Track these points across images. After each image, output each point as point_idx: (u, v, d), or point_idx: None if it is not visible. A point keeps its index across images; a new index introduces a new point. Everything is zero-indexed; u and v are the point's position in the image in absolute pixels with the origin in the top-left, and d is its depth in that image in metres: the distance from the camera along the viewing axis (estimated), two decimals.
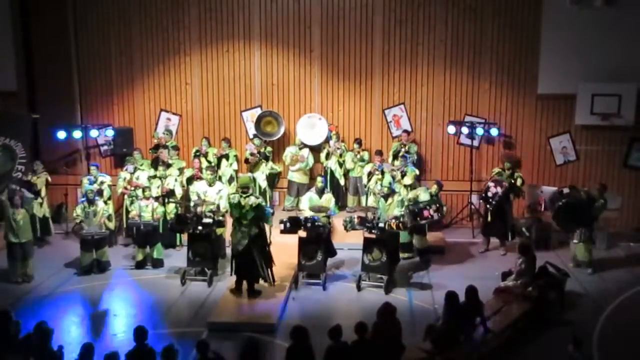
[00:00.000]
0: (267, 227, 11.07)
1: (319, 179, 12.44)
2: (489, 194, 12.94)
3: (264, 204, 11.07)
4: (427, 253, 12.76)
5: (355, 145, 14.46)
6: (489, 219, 13.20)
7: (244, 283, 10.94)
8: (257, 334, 9.35)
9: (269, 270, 10.98)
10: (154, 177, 13.49)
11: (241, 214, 10.64)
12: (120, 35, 15.21)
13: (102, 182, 13.47)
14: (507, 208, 13.18)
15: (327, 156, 14.54)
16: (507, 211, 13.17)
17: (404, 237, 12.48)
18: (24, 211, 11.88)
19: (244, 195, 10.72)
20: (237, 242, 10.74)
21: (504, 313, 9.80)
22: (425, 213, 11.84)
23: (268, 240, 11.04)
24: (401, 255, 12.53)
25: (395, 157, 14.09)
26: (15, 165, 13.07)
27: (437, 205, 12.04)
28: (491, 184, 13.02)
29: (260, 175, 14.53)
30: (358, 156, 14.38)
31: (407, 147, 14.26)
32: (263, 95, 15.26)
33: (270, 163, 14.57)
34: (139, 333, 7.59)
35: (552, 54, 14.24)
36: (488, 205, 13.03)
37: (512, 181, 13.16)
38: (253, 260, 10.77)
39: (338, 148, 14.45)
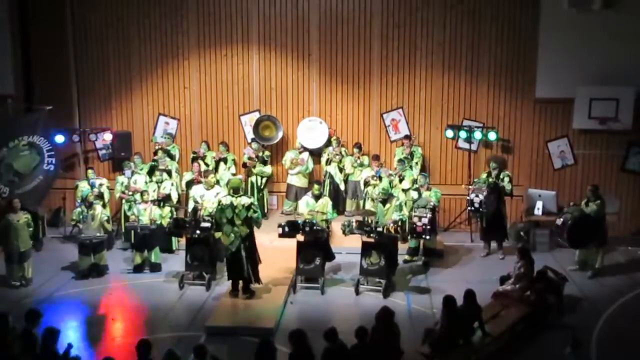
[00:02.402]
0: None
1: (316, 186, 12.41)
2: (476, 205, 12.92)
3: (256, 203, 11.13)
4: (433, 255, 12.79)
5: (355, 150, 14.47)
6: (484, 224, 13.22)
7: (239, 284, 11.02)
8: (256, 338, 9.34)
9: (255, 270, 11.03)
10: (150, 181, 13.52)
11: (234, 214, 10.67)
12: (118, 39, 15.21)
13: (100, 185, 13.48)
14: (502, 210, 13.18)
15: (328, 162, 14.55)
16: (502, 213, 13.17)
17: (412, 242, 12.65)
18: (24, 217, 11.85)
19: (236, 196, 10.77)
20: (230, 244, 10.77)
21: (502, 317, 9.81)
22: (419, 229, 11.79)
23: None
24: (407, 258, 12.64)
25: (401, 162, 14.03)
26: (44, 159, 13.51)
27: (416, 210, 12.02)
28: (472, 195, 12.98)
29: (259, 180, 14.55)
30: (358, 161, 14.39)
31: (411, 150, 14.27)
32: (261, 99, 15.27)
33: (261, 166, 14.55)
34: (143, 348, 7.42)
35: (550, 57, 14.24)
36: (482, 212, 13.01)
37: (496, 181, 13.06)
38: (242, 260, 10.81)
39: (337, 154, 14.45)
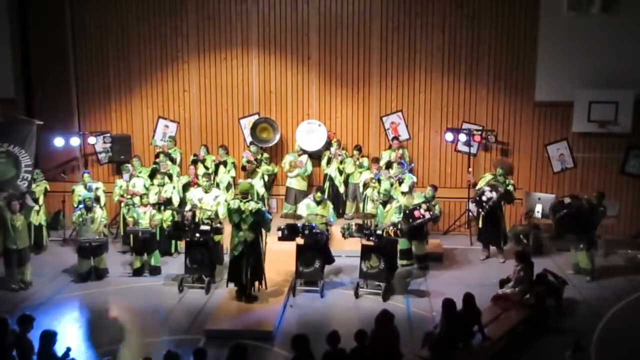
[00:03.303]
0: (265, 233, 11.09)
1: (318, 194, 12.38)
2: (484, 198, 12.81)
3: (264, 209, 11.12)
4: (426, 260, 12.76)
5: (355, 152, 14.49)
6: (481, 225, 13.18)
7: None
8: (255, 342, 9.35)
9: (260, 275, 11.05)
10: (152, 184, 13.52)
11: (241, 219, 10.66)
12: (118, 42, 15.23)
13: (97, 189, 13.46)
14: (500, 215, 13.12)
15: (328, 162, 14.55)
16: (500, 218, 13.12)
17: (403, 244, 12.50)
18: (22, 217, 11.86)
19: (244, 201, 10.75)
20: (234, 248, 10.76)
21: (501, 320, 9.79)
22: (416, 213, 12.04)
23: (263, 249, 11.07)
24: (400, 262, 12.55)
25: (388, 166, 14.01)
26: (19, 174, 12.95)
27: (428, 204, 12.20)
28: (487, 188, 12.85)
29: (259, 182, 14.54)
30: (357, 162, 14.41)
31: (401, 153, 14.28)
32: (261, 103, 15.28)
33: (266, 166, 14.57)
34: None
35: (549, 61, 14.28)
36: (481, 210, 12.98)
37: (507, 189, 13.09)
38: (247, 265, 10.80)
39: (339, 155, 14.46)
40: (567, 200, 12.16)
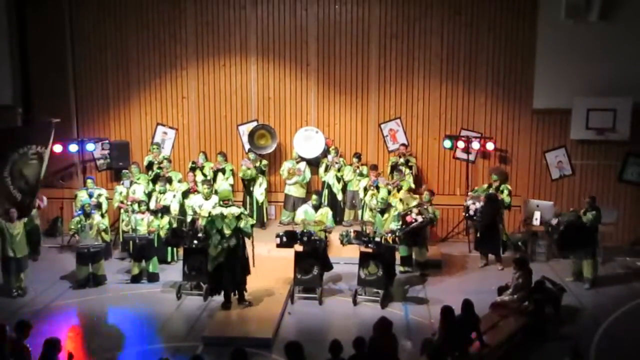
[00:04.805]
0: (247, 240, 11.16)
1: (314, 197, 12.39)
2: (471, 212, 12.93)
3: (246, 212, 11.21)
4: (427, 267, 12.75)
5: (355, 160, 14.51)
6: (479, 234, 13.22)
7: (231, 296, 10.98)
8: (253, 349, 9.32)
9: (243, 280, 11.03)
10: (153, 190, 13.50)
11: (225, 224, 10.68)
12: (117, 48, 15.24)
13: (99, 195, 13.45)
14: (498, 222, 13.13)
15: (326, 169, 14.56)
16: (498, 225, 13.13)
17: (403, 251, 12.53)
18: (20, 225, 11.82)
19: (226, 206, 10.80)
20: (217, 256, 10.76)
21: (500, 327, 9.79)
22: (408, 219, 12.03)
23: (247, 254, 11.12)
24: (400, 269, 12.56)
25: (392, 171, 14.04)
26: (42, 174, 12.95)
27: (420, 207, 12.14)
28: (469, 202, 12.98)
29: (258, 190, 14.57)
30: (357, 170, 14.42)
31: (407, 159, 14.30)
32: (259, 109, 15.29)
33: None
34: None
35: (547, 68, 14.30)
36: (474, 222, 13.07)
37: (494, 193, 13.06)
38: (229, 271, 10.79)
39: (337, 162, 14.47)
40: (553, 220, 12.23)
